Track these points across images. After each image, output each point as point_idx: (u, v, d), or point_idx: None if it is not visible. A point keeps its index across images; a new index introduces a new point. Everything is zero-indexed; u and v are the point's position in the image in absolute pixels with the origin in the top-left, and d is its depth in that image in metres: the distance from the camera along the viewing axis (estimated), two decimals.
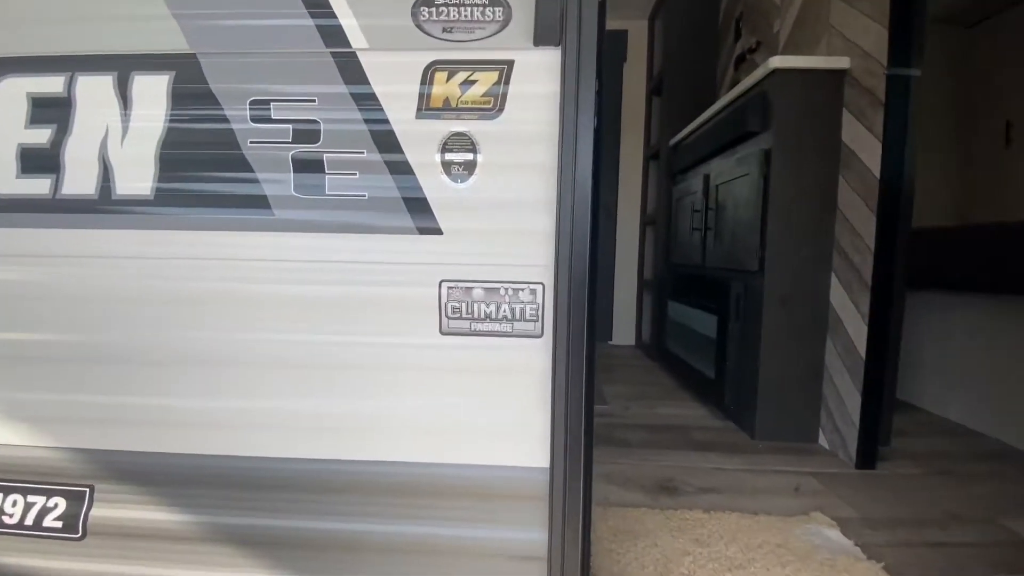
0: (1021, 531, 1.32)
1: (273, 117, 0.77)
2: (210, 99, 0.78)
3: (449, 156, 0.76)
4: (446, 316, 0.77)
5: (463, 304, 0.76)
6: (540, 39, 0.72)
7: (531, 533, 0.78)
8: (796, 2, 2.19)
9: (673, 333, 2.86)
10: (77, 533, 0.85)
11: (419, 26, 0.74)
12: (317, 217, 0.78)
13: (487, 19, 0.73)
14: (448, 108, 0.76)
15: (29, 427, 0.84)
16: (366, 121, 0.76)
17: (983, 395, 2.06)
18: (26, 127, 0.81)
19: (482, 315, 0.76)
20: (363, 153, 0.77)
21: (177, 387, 0.82)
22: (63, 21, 0.80)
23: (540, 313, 0.75)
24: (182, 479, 0.82)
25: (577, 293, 0.74)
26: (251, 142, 0.78)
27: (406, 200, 0.77)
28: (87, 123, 0.80)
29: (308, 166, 0.78)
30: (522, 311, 0.76)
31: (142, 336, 0.82)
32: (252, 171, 0.78)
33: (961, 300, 2.17)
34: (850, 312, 1.78)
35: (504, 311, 0.76)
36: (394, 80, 0.76)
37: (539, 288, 0.75)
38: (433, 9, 0.74)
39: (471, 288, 0.76)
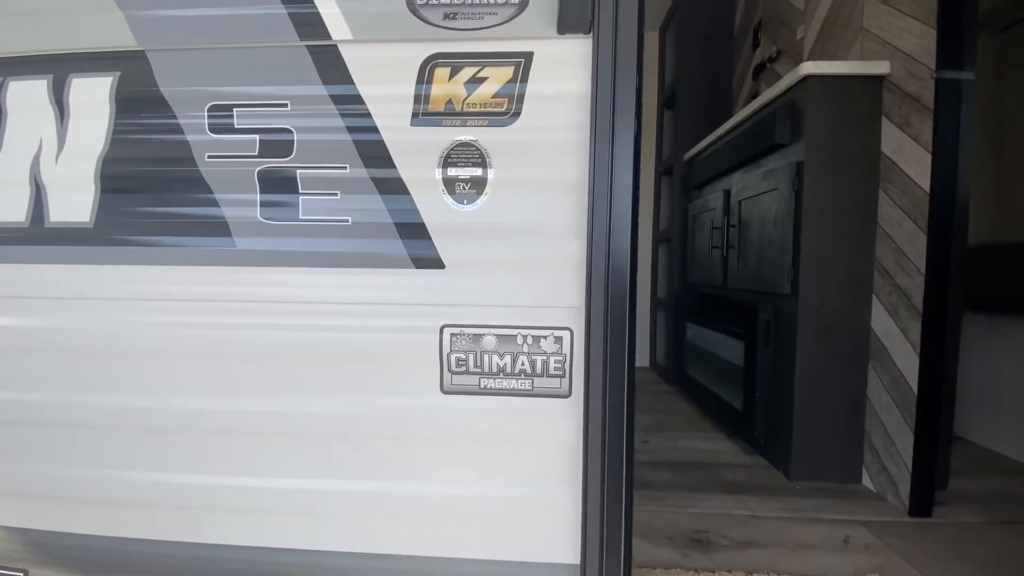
0: None
1: (236, 126, 0.63)
2: (161, 105, 0.64)
3: (452, 171, 0.61)
4: (449, 370, 0.62)
5: (470, 355, 0.61)
6: (566, 26, 0.57)
7: None
8: (823, 6, 2.07)
9: (693, 357, 2.70)
10: None
11: (415, 12, 0.60)
12: (289, 247, 0.63)
13: (499, 2, 0.59)
14: (451, 112, 0.61)
15: None
16: (350, 129, 0.62)
17: None
18: None
19: (494, 369, 0.61)
20: (346, 168, 0.62)
21: (115, 457, 0.67)
22: None
23: (568, 367, 0.60)
24: (120, 568, 0.66)
25: (616, 342, 0.58)
26: (209, 156, 0.64)
27: (399, 226, 0.62)
28: (17, 137, 0.67)
29: (278, 185, 0.63)
30: (545, 364, 0.60)
31: (76, 394, 0.67)
32: (210, 191, 0.64)
33: (1013, 324, 2.00)
34: (897, 340, 1.61)
35: (522, 364, 0.60)
36: (384, 79, 0.61)
37: (566, 335, 0.60)
38: None
39: (480, 335, 0.61)
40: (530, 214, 0.61)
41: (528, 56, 0.60)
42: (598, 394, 0.58)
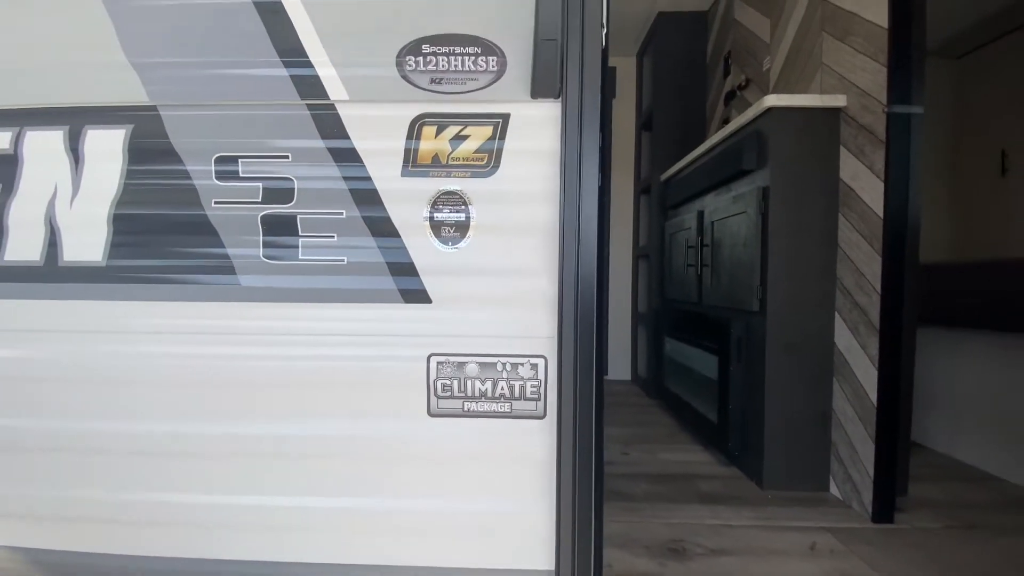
0: None
1: (241, 174, 0.70)
2: (171, 155, 0.70)
3: (439, 216, 0.69)
4: (435, 395, 0.68)
5: (455, 381, 0.68)
6: (538, 91, 0.65)
7: None
8: (787, 40, 2.20)
9: (671, 371, 2.77)
10: None
11: (405, 76, 0.67)
12: (289, 285, 0.69)
13: (480, 69, 0.67)
14: (437, 165, 0.69)
15: None
16: (346, 179, 0.69)
17: (998, 437, 1.99)
18: None
19: (476, 393, 0.68)
20: (342, 214, 0.69)
21: (123, 479, 0.72)
22: (11, 71, 0.72)
23: (542, 391, 0.67)
24: None
25: (584, 368, 0.65)
26: (216, 202, 0.70)
27: (390, 265, 0.69)
28: (34, 182, 0.72)
29: (279, 228, 0.70)
30: (522, 389, 0.67)
31: (86, 422, 0.72)
32: (216, 234, 0.70)
33: (970, 337, 2.12)
34: (858, 355, 1.71)
35: (502, 389, 0.67)
36: (377, 135, 0.69)
37: (541, 362, 0.67)
38: (420, 58, 0.67)
39: (464, 363, 0.68)
40: (508, 255, 0.68)
41: (505, 117, 0.68)
42: (569, 415, 0.65)
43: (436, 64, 0.68)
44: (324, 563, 0.69)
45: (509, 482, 0.68)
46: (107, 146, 0.71)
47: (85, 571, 0.71)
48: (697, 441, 2.39)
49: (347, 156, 0.69)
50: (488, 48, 0.66)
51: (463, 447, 0.68)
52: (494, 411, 0.67)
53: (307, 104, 0.69)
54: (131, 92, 0.71)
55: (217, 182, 0.70)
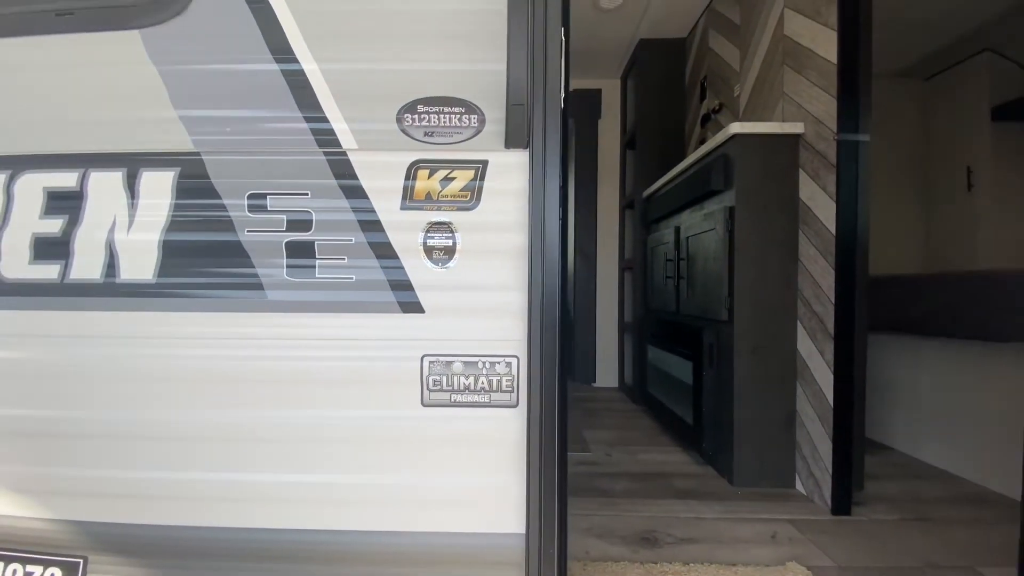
0: None
1: (269, 208, 0.86)
2: (211, 192, 0.86)
3: (431, 242, 0.84)
4: (427, 389, 0.83)
5: (443, 377, 0.83)
6: (511, 143, 0.82)
7: None
8: (753, 70, 2.38)
9: (654, 377, 2.92)
10: None
11: (404, 131, 0.84)
12: (307, 298, 0.85)
13: (464, 125, 0.83)
14: (430, 200, 0.84)
15: (28, 499, 0.87)
16: (354, 212, 0.85)
17: (955, 437, 2.14)
18: (40, 218, 0.88)
19: (461, 387, 0.83)
20: (351, 240, 0.85)
21: (171, 461, 0.86)
22: (78, 122, 0.88)
23: (516, 384, 0.82)
24: (174, 551, 0.85)
25: (549, 365, 0.81)
26: (248, 231, 0.86)
27: (391, 282, 0.85)
28: (97, 214, 0.88)
29: (300, 252, 0.85)
30: (499, 383, 0.82)
31: (140, 412, 0.86)
32: (248, 257, 0.85)
33: (927, 343, 2.28)
34: (816, 360, 1.86)
35: (482, 383, 0.82)
36: (380, 176, 0.85)
37: (514, 361, 0.82)
38: (416, 116, 0.84)
39: (451, 362, 0.83)
40: (487, 273, 0.84)
41: (485, 163, 0.84)
42: (537, 404, 0.80)
43: (429, 120, 0.84)
44: (338, 530, 0.83)
45: (489, 460, 0.83)
46: (158, 185, 0.86)
47: (147, 542, 0.85)
48: (676, 443, 2.53)
49: (356, 193, 0.85)
50: (470, 108, 0.83)
51: (450, 431, 0.83)
52: (476, 401, 0.82)
53: (323, 151, 0.85)
54: (179, 141, 0.86)
55: (249, 214, 0.85)
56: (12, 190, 0.87)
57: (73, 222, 0.88)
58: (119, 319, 0.87)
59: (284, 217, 0.86)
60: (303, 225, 0.86)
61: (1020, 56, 3.23)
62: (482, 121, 0.84)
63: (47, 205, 0.89)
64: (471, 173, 0.84)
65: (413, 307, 0.85)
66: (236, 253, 0.86)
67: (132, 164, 0.87)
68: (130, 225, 0.87)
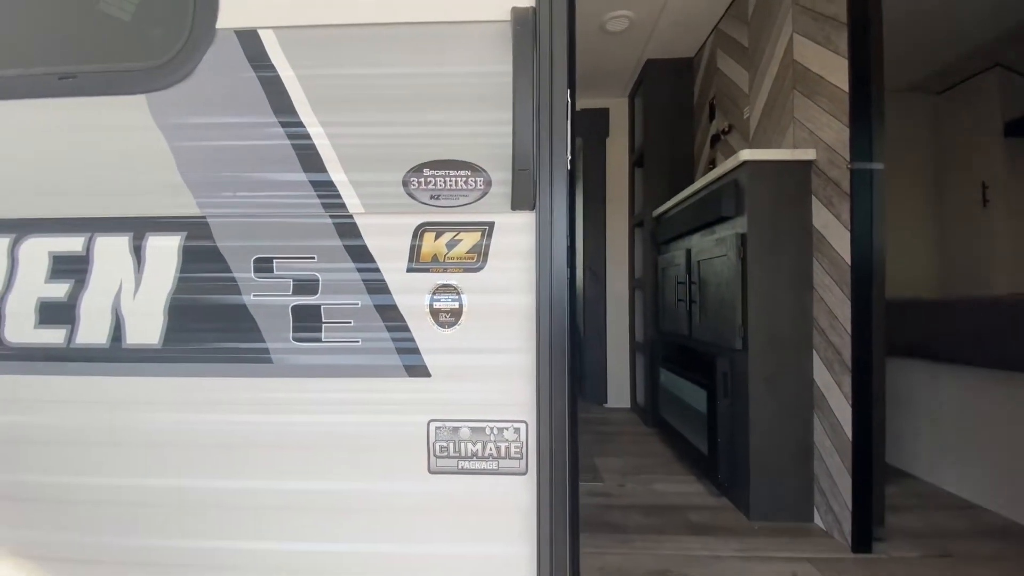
0: None
1: (275, 272, 0.85)
2: (217, 257, 0.85)
3: (437, 305, 0.83)
4: (434, 455, 0.82)
5: (450, 443, 0.81)
6: (517, 204, 0.80)
7: None
8: (763, 93, 2.36)
9: (666, 401, 2.88)
10: None
11: (410, 193, 0.83)
12: (313, 362, 0.84)
13: (470, 187, 0.82)
14: (436, 262, 0.83)
15: (31, 565, 0.87)
16: (361, 275, 0.84)
17: (977, 465, 2.08)
18: (46, 282, 0.88)
19: (469, 453, 0.81)
20: (358, 304, 0.84)
21: (176, 529, 0.85)
22: (84, 187, 0.88)
23: (524, 451, 0.80)
24: None
25: (558, 430, 0.78)
26: (254, 295, 0.85)
27: (397, 345, 0.83)
28: (103, 278, 0.87)
29: (306, 316, 0.84)
30: (507, 449, 0.80)
31: (146, 479, 0.85)
32: (254, 321, 0.85)
33: (949, 370, 2.22)
34: (834, 392, 1.82)
35: (490, 450, 0.80)
36: (387, 239, 0.84)
37: (523, 426, 0.80)
38: (421, 179, 0.83)
39: (458, 427, 0.81)
40: (494, 336, 0.82)
41: (491, 224, 0.83)
42: (547, 472, 0.78)
43: (434, 183, 0.83)
44: None
45: (498, 529, 0.80)
46: (164, 249, 0.86)
47: None
48: (691, 471, 2.48)
49: (362, 256, 0.84)
50: (476, 170, 0.82)
51: (458, 499, 0.81)
52: (484, 468, 0.80)
53: (330, 215, 0.84)
54: (185, 206, 0.86)
55: (255, 278, 0.85)
56: (17, 254, 0.88)
57: (79, 286, 0.88)
58: (125, 384, 0.86)
59: (290, 281, 0.85)
60: (309, 288, 0.85)
61: None
62: (488, 183, 0.82)
63: (52, 269, 0.89)
64: (477, 235, 0.83)
65: (419, 371, 0.83)
66: (242, 317, 0.85)
67: (138, 228, 0.87)
68: (136, 289, 0.87)
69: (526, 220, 0.82)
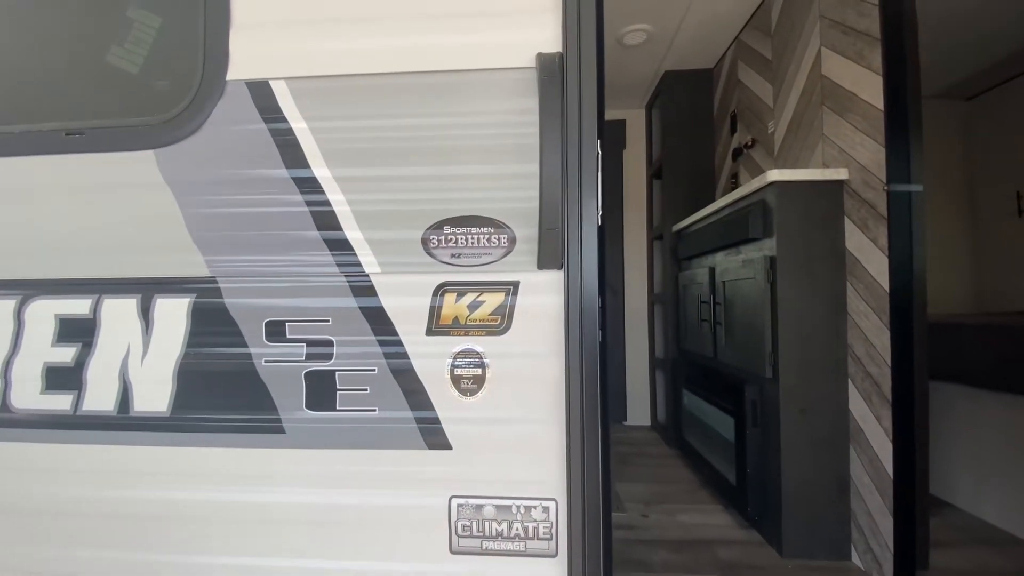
0: None
1: (288, 336, 0.80)
2: (228, 319, 0.81)
3: (459, 371, 0.77)
4: (456, 534, 0.76)
5: (474, 522, 0.75)
6: (543, 264, 0.75)
7: None
8: (788, 107, 2.27)
9: (690, 423, 2.79)
10: None
11: (429, 252, 0.78)
12: (328, 433, 0.79)
13: (493, 245, 0.76)
14: (457, 325, 0.78)
15: None
16: (378, 339, 0.79)
17: (1022, 497, 1.96)
18: (52, 345, 0.85)
19: (494, 533, 0.75)
20: (374, 370, 0.78)
21: None
22: (92, 248, 0.85)
23: (554, 531, 0.74)
24: None
25: (592, 510, 0.72)
26: (266, 361, 0.80)
27: (415, 414, 0.78)
28: (110, 342, 0.84)
29: (320, 382, 0.80)
30: (535, 529, 0.74)
31: (153, 554, 0.81)
32: (265, 388, 0.80)
33: (988, 395, 2.10)
34: (872, 425, 1.72)
35: (516, 530, 0.74)
36: (406, 301, 0.78)
37: (552, 504, 0.74)
38: (442, 237, 0.77)
39: (482, 505, 0.75)
40: (520, 405, 0.76)
41: (516, 284, 0.77)
42: (579, 555, 0.72)
43: (455, 241, 0.77)
44: None
45: None
46: (173, 312, 0.82)
47: None
48: (717, 500, 2.39)
49: (379, 319, 0.79)
50: (500, 227, 0.76)
51: None
52: (510, 550, 0.74)
53: (345, 276, 0.79)
54: (194, 265, 0.82)
55: (267, 342, 0.80)
56: (23, 316, 0.84)
57: (86, 350, 0.84)
58: (132, 454, 0.82)
59: (304, 345, 0.80)
60: (324, 355, 0.80)
61: None
62: (512, 240, 0.77)
63: (59, 332, 0.85)
64: (501, 295, 0.77)
65: (440, 443, 0.78)
66: (254, 384, 0.80)
67: (146, 290, 0.83)
68: (144, 354, 0.83)
69: (553, 279, 0.76)
